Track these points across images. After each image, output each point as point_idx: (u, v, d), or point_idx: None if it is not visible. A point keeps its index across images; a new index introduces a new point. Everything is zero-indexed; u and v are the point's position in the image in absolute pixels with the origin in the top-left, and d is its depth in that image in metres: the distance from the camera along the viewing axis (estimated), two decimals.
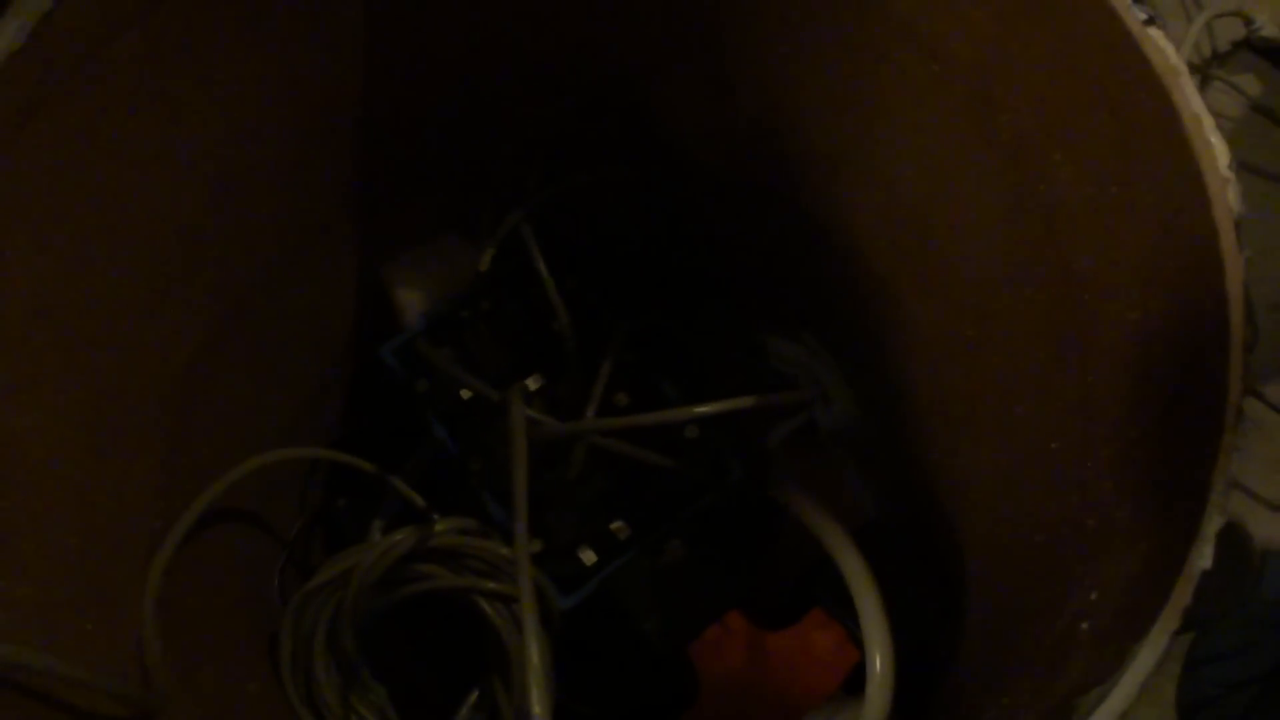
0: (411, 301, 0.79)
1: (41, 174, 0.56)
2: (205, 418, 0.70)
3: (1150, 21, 0.51)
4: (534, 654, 0.56)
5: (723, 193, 0.79)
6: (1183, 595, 0.43)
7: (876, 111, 0.67)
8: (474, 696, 0.73)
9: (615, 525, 0.74)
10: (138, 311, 0.64)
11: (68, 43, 0.54)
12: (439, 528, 0.71)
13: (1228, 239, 0.48)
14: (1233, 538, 0.93)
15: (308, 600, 0.73)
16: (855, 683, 0.67)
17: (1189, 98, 0.50)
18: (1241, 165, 1.00)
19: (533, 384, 0.77)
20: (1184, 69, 0.51)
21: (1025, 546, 0.64)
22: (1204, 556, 0.43)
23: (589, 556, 0.73)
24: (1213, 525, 0.43)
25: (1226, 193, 0.49)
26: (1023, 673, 0.55)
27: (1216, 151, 0.49)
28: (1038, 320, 0.63)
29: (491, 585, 0.70)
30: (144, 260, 0.64)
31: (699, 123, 0.76)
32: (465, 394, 0.76)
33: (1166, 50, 0.51)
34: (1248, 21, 1.12)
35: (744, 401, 0.69)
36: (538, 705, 0.54)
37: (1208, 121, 0.50)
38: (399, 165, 0.76)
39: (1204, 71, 1.13)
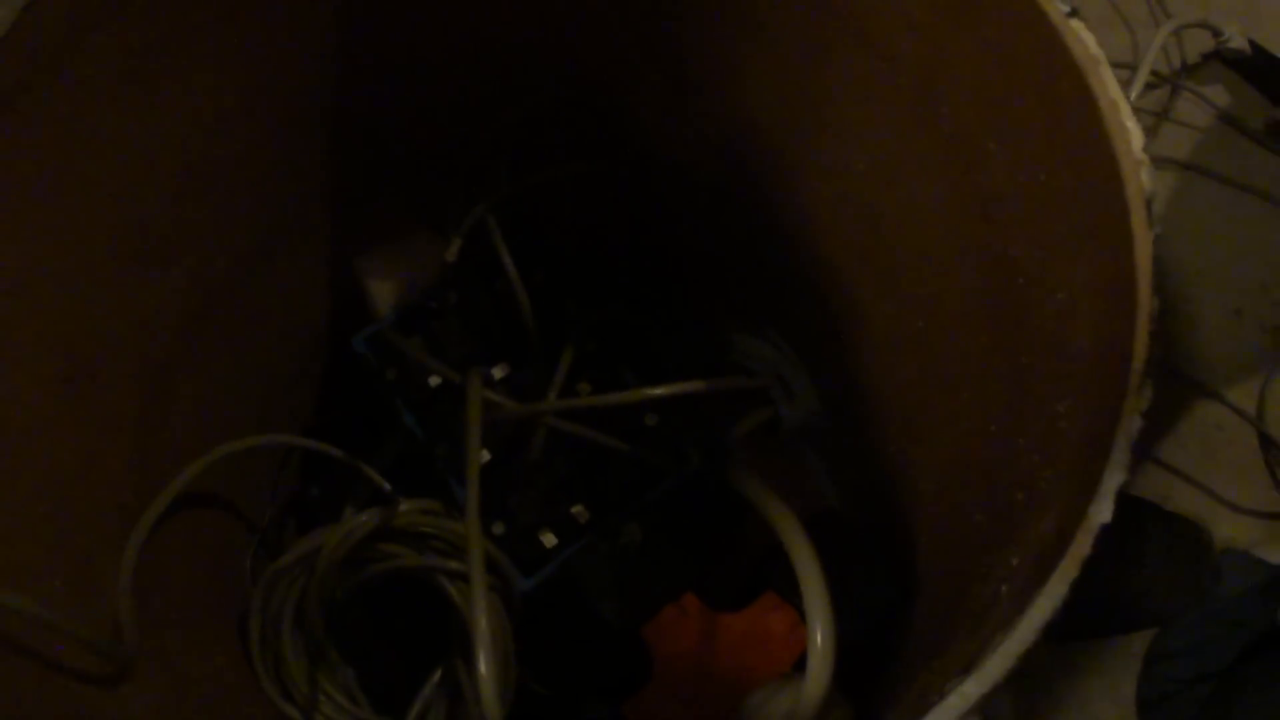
0: (383, 293, 0.82)
1: (21, 157, 0.59)
2: (180, 400, 0.74)
3: (1073, 14, 0.55)
4: (483, 622, 0.59)
5: (686, 190, 0.83)
6: (1081, 546, 0.46)
7: (829, 107, 0.71)
8: (437, 675, 0.76)
9: (575, 509, 0.77)
10: (114, 293, 0.68)
11: (47, 33, 0.57)
12: (403, 508, 0.74)
13: (1139, 216, 0.52)
14: (1193, 536, 0.96)
15: (276, 579, 0.76)
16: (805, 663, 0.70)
17: (1107, 84, 0.54)
18: (1208, 174, 1.04)
19: (498, 373, 0.80)
20: (1103, 58, 0.54)
21: (966, 527, 0.67)
22: (1102, 511, 0.46)
23: (549, 539, 0.76)
24: (1113, 481, 0.46)
25: (1140, 173, 0.52)
26: (953, 640, 0.58)
27: (1131, 135, 0.53)
28: (979, 307, 0.66)
29: (454, 565, 0.74)
30: (120, 244, 0.67)
31: (663, 121, 0.80)
32: (433, 382, 0.80)
33: (1087, 40, 0.54)
34: (1216, 33, 1.16)
35: (697, 385, 0.73)
36: (485, 667, 0.57)
37: (1124, 107, 0.53)
38: (370, 160, 0.80)
39: (1173, 81, 1.16)
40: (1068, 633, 0.93)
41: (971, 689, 0.43)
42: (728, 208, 0.82)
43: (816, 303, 0.80)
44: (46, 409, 0.63)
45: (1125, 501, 0.47)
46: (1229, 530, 0.98)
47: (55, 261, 0.63)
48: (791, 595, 0.74)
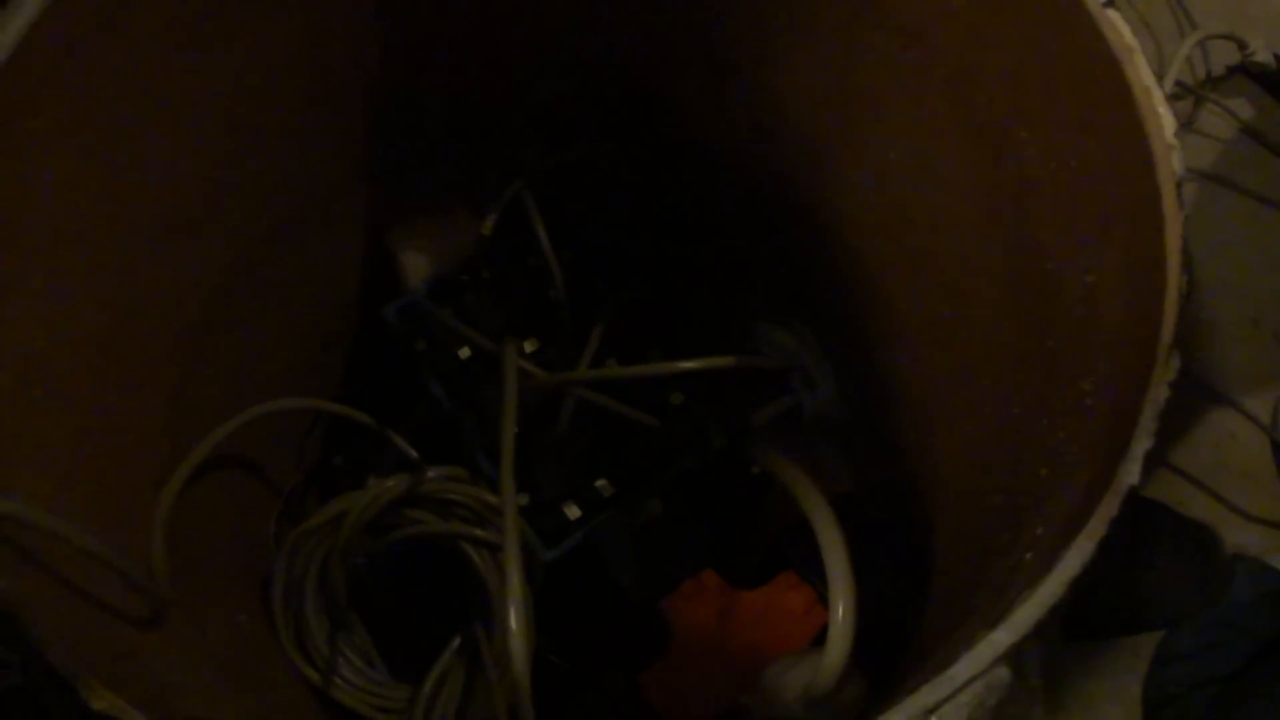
0: (416, 266, 0.84)
1: (71, 119, 0.62)
2: (214, 363, 0.76)
3: (1109, 4, 0.57)
4: (515, 578, 0.61)
5: (718, 174, 0.85)
6: (1110, 506, 0.48)
7: (863, 95, 0.73)
8: (456, 642, 0.78)
9: (599, 483, 0.79)
10: (156, 255, 0.70)
11: None
12: (430, 474, 0.76)
13: (1170, 199, 0.54)
14: (1205, 540, 0.98)
15: (301, 542, 0.78)
16: (822, 642, 0.72)
17: (1141, 72, 0.56)
18: (1230, 186, 1.06)
19: (528, 347, 0.83)
20: (1138, 47, 0.57)
21: (986, 508, 0.69)
22: (1131, 474, 0.48)
23: (573, 511, 0.78)
24: (1141, 446, 0.49)
25: (1171, 158, 0.54)
26: (975, 610, 0.60)
27: (1164, 121, 0.55)
28: (1006, 292, 0.68)
29: (478, 532, 0.76)
30: (166, 201, 0.70)
31: (698, 105, 0.82)
32: (463, 354, 0.82)
33: (1122, 30, 0.57)
34: (1242, 46, 1.18)
35: (726, 361, 0.75)
36: (515, 622, 0.59)
37: (1157, 94, 0.56)
38: (407, 135, 0.82)
39: (1197, 93, 1.19)
40: (1076, 632, 0.95)
41: (1001, 637, 0.45)
42: (757, 194, 0.84)
43: (841, 291, 0.82)
44: (90, 363, 0.65)
45: (1137, 503, 0.49)
46: (1239, 537, 1.00)
47: (100, 220, 0.66)
48: (809, 575, 0.76)
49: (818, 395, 0.85)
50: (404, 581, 0.84)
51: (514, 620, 0.60)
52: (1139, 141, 0.56)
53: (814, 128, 0.76)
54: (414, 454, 0.78)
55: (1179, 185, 0.54)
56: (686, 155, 0.85)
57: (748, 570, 0.78)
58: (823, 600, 0.75)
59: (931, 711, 0.44)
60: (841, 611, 0.68)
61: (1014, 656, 0.46)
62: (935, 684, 0.45)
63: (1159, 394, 0.50)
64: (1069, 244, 0.62)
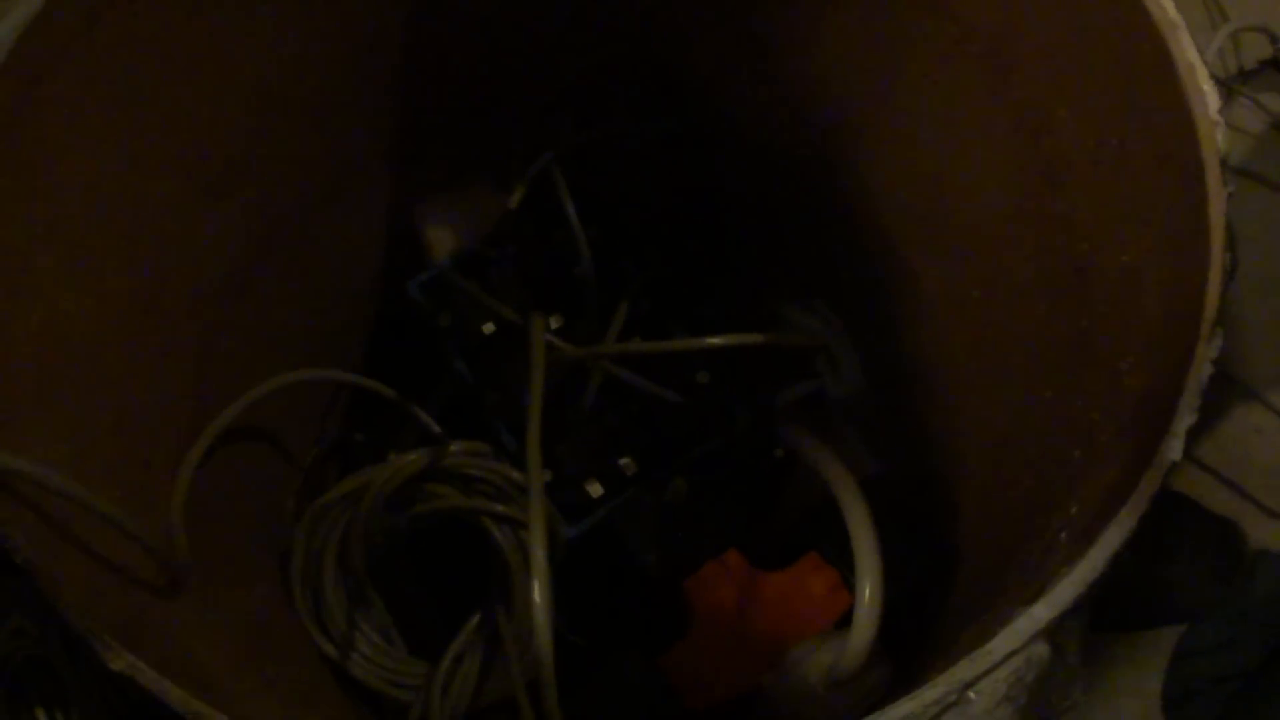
0: (441, 240, 0.83)
1: (106, 76, 0.61)
2: (238, 331, 0.75)
3: None
4: (538, 551, 0.60)
5: (748, 153, 0.84)
6: (1152, 482, 0.47)
7: (898, 72, 0.72)
8: (475, 620, 0.77)
9: (623, 461, 0.78)
10: (182, 219, 0.69)
11: None
12: (452, 448, 0.75)
13: (1214, 175, 0.53)
14: (1228, 535, 0.97)
15: (320, 515, 0.77)
16: (846, 625, 0.71)
17: (1185, 48, 0.55)
18: (1260, 180, 1.05)
19: (553, 323, 0.82)
20: (1181, 23, 0.56)
21: (1016, 492, 0.68)
22: (1174, 450, 0.47)
23: (595, 489, 0.77)
24: (1183, 422, 0.48)
25: (1215, 134, 0.53)
26: (1003, 592, 0.59)
27: (1208, 97, 0.54)
28: (1038, 274, 0.67)
29: (501, 508, 0.75)
30: (190, 171, 0.69)
31: (730, 81, 0.81)
32: (486, 329, 0.81)
33: (1166, 5, 0.56)
34: (1273, 39, 1.17)
35: (752, 337, 0.74)
36: (539, 595, 0.58)
37: (1201, 71, 0.55)
38: (436, 107, 0.81)
39: (1228, 86, 1.17)
40: (1096, 625, 0.93)
41: (1041, 611, 0.44)
42: (787, 174, 0.83)
43: (868, 272, 0.81)
44: (116, 327, 0.65)
45: (1160, 495, 0.48)
46: (1263, 533, 0.98)
47: (128, 184, 0.65)
48: (834, 557, 0.75)
49: (842, 377, 0.84)
50: (424, 558, 0.83)
51: (537, 594, 0.59)
52: (1182, 118, 0.55)
53: (847, 106, 0.75)
54: (436, 428, 0.78)
55: (1224, 162, 0.53)
56: (717, 133, 0.84)
57: (771, 551, 0.77)
58: (847, 583, 0.74)
59: (969, 686, 0.43)
60: (868, 592, 0.67)
61: (1053, 633, 0.44)
62: (972, 659, 0.44)
63: (1203, 370, 0.49)
64: (1107, 223, 0.61)
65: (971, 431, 0.76)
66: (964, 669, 0.44)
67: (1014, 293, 0.69)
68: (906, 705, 0.43)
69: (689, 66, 0.81)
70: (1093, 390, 0.61)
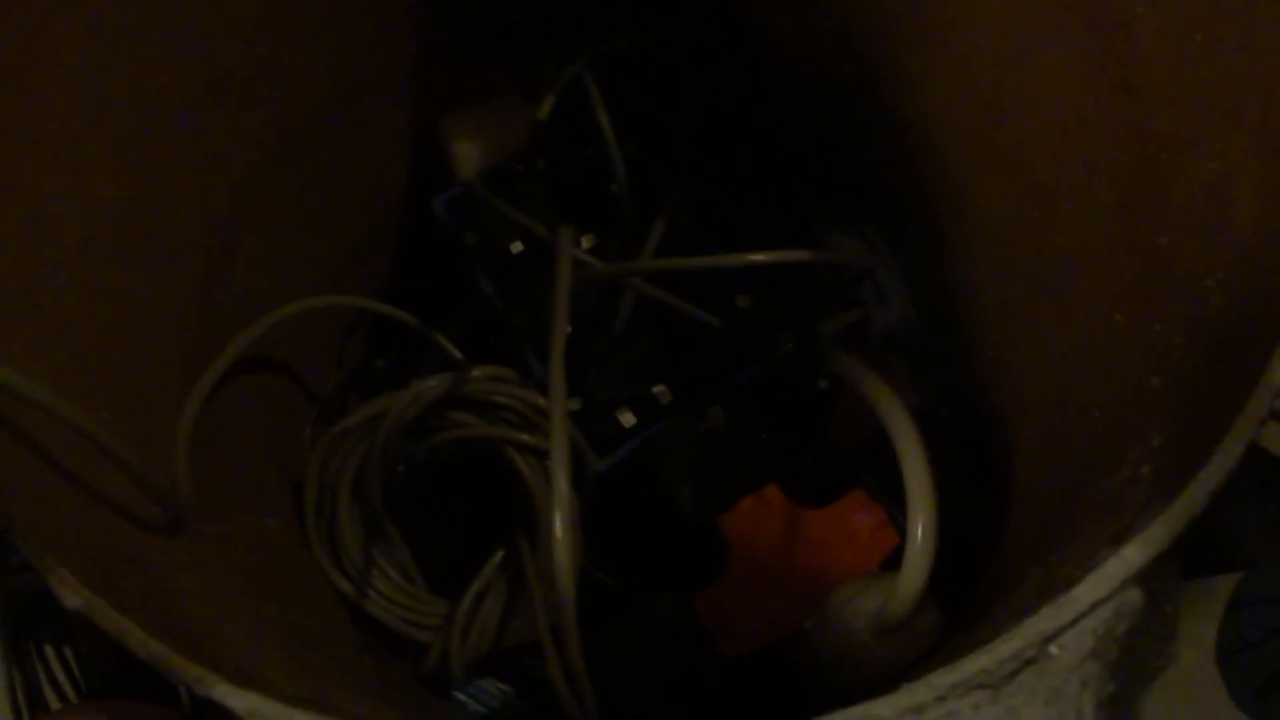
0: (468, 155, 0.77)
1: None
2: (248, 252, 0.69)
3: None
4: (562, 480, 0.53)
5: (791, 66, 0.77)
6: (1258, 406, 0.39)
7: None
8: (499, 557, 0.71)
9: (657, 389, 0.72)
10: (188, 121, 0.63)
11: None
12: (475, 373, 0.69)
13: None
14: None
15: (336, 443, 0.71)
16: (891, 567, 0.64)
17: None
18: None
19: (586, 242, 0.75)
20: None
21: (1081, 425, 0.61)
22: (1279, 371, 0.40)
23: (628, 419, 0.70)
24: None
25: None
26: (1074, 532, 0.52)
27: None
28: (1108, 189, 0.60)
29: (525, 437, 0.68)
30: (198, 71, 0.63)
31: None
32: (515, 248, 0.74)
33: None
34: None
35: (798, 255, 0.66)
36: (560, 530, 0.51)
37: None
38: (463, 11, 0.74)
39: None
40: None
41: (1133, 554, 0.37)
42: (834, 89, 0.75)
43: (918, 195, 0.74)
44: (110, 238, 0.59)
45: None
46: None
47: (125, 82, 0.59)
48: (881, 494, 0.68)
49: (889, 305, 0.77)
50: (446, 490, 0.77)
51: (560, 528, 0.52)
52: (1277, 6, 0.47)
53: (900, 14, 0.68)
54: (458, 354, 0.71)
55: None
56: (759, 42, 0.76)
57: (814, 487, 0.70)
58: (894, 521, 0.67)
59: (1051, 640, 0.36)
60: (921, 531, 0.60)
61: (1147, 579, 0.37)
62: (1055, 607, 0.37)
63: None
64: (1191, 129, 0.53)
65: (1029, 363, 0.69)
66: (1045, 619, 0.36)
67: (1080, 212, 0.62)
68: (980, 660, 0.36)
69: None
70: (1173, 313, 0.53)
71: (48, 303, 0.53)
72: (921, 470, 0.59)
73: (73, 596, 0.39)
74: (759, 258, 0.66)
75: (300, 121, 0.69)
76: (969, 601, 0.64)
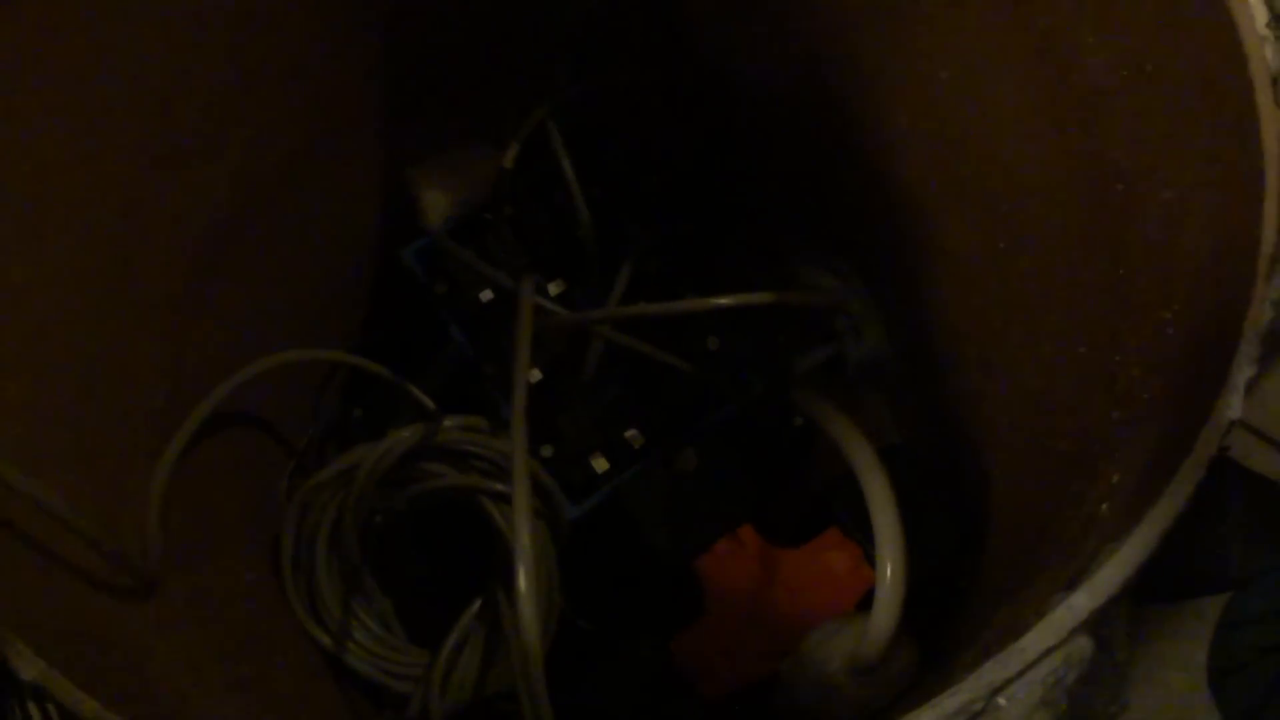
0: (435, 205, 0.75)
1: (53, 37, 0.54)
2: (218, 309, 0.68)
3: None
4: (524, 535, 0.52)
5: (755, 103, 0.76)
6: (1208, 444, 0.38)
7: (915, 13, 0.63)
8: (476, 606, 0.70)
9: (629, 433, 0.70)
10: (152, 181, 0.62)
11: None
12: (446, 424, 0.68)
13: (1264, 95, 0.45)
14: (1275, 497, 0.88)
15: (312, 497, 0.70)
16: (869, 605, 0.63)
17: None
18: None
19: (554, 289, 0.74)
20: None
21: (1049, 457, 0.60)
22: (1231, 406, 0.39)
23: (600, 464, 0.69)
24: (1242, 374, 0.39)
25: (1264, 50, 0.45)
26: (1040, 572, 0.51)
27: (1254, 10, 0.45)
28: (1069, 219, 0.59)
29: (498, 486, 0.67)
30: (161, 129, 0.62)
31: (733, 26, 0.73)
32: (484, 297, 0.73)
33: None
34: None
35: (763, 297, 0.65)
36: (524, 583, 0.50)
37: None
38: (427, 61, 0.73)
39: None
40: (1137, 595, 0.85)
41: (1081, 601, 0.36)
42: (798, 124, 0.74)
43: (888, 228, 0.73)
44: (75, 302, 0.58)
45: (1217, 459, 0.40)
46: None
47: (88, 147, 0.58)
48: (856, 532, 0.67)
49: (864, 340, 0.76)
50: (425, 539, 0.75)
51: (524, 581, 0.51)
52: (1226, 36, 0.46)
53: (858, 48, 0.67)
54: (430, 404, 0.70)
55: (1275, 80, 0.44)
56: (722, 81, 0.75)
57: (789, 527, 0.69)
58: (870, 558, 0.65)
59: (998, 691, 0.35)
60: (890, 571, 0.59)
61: (1096, 626, 0.36)
62: (1002, 659, 0.35)
63: (1260, 314, 0.40)
64: (1144, 159, 0.53)
65: (1001, 394, 0.68)
66: (992, 671, 0.35)
67: (1044, 241, 0.61)
68: (926, 715, 0.34)
69: (689, 8, 0.72)
70: (1133, 344, 0.52)
71: (11, 367, 0.52)
72: (890, 511, 0.58)
73: (29, 668, 0.38)
74: (723, 301, 0.65)
75: (266, 176, 0.68)
76: (949, 637, 0.63)
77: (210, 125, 0.64)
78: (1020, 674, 0.35)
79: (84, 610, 0.51)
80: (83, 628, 0.50)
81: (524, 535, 0.51)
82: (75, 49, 0.55)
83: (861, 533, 0.66)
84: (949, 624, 0.64)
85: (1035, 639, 0.35)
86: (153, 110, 0.61)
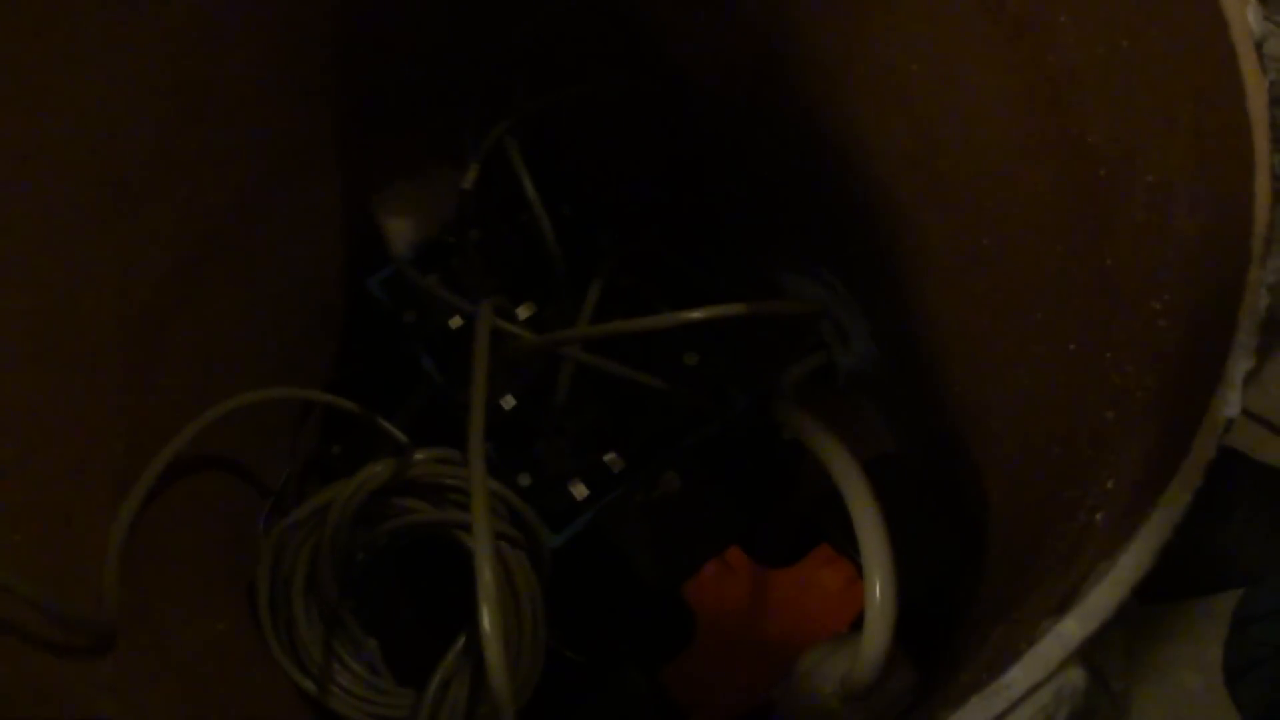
0: (400, 232, 0.72)
1: None
2: (179, 348, 0.64)
3: None
4: (486, 571, 0.48)
5: (722, 107, 0.71)
6: (1205, 446, 0.34)
7: (876, 5, 0.59)
8: (461, 642, 0.65)
9: (608, 457, 0.66)
10: (97, 228, 0.58)
11: None
12: (418, 457, 0.63)
13: (1248, 60, 0.40)
14: None
15: (286, 537, 0.65)
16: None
17: None
18: None
19: (523, 312, 0.70)
20: None
21: (1043, 463, 0.56)
22: (1230, 404, 0.34)
23: (580, 490, 0.65)
24: (1239, 367, 0.35)
25: (1245, 14, 0.40)
26: (1035, 586, 0.46)
27: None
28: (1052, 212, 0.55)
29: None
30: (102, 173, 0.58)
31: (693, 28, 0.69)
32: (453, 324, 0.69)
33: None
34: None
35: (736, 308, 0.60)
36: (488, 623, 0.46)
37: None
38: (381, 84, 0.69)
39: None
40: (1148, 594, 0.80)
41: (1071, 628, 0.31)
42: (767, 126, 0.70)
43: (869, 230, 0.68)
44: (21, 349, 0.54)
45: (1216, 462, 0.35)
46: None
47: (24, 190, 0.54)
48: (847, 547, 0.62)
49: (852, 349, 0.71)
50: (407, 577, 0.71)
51: (487, 621, 0.46)
52: (1206, 3, 0.41)
53: (822, 43, 0.63)
54: (403, 437, 0.65)
55: (1259, 45, 0.39)
56: (686, 86, 0.71)
57: (778, 546, 0.65)
58: (863, 574, 0.60)
59: None
60: (879, 590, 0.54)
61: (1090, 655, 0.31)
62: (986, 695, 0.30)
63: (1256, 301, 0.35)
64: (1123, 142, 0.48)
65: (994, 397, 0.64)
66: (975, 709, 0.30)
67: (1027, 235, 0.57)
68: None
69: (645, 12, 0.68)
70: (1123, 339, 0.48)
71: None
72: (877, 530, 0.54)
73: None
74: (696, 315, 0.60)
75: (219, 212, 0.64)
76: (944, 655, 0.58)
77: (155, 161, 0.60)
78: (1006, 712, 0.30)
79: (32, 673, 0.47)
80: (31, 693, 0.46)
81: (486, 572, 0.47)
82: (11, 86, 0.52)
83: (853, 548, 0.61)
84: (948, 640, 0.60)
85: (1021, 673, 0.31)
86: (94, 148, 0.57)
